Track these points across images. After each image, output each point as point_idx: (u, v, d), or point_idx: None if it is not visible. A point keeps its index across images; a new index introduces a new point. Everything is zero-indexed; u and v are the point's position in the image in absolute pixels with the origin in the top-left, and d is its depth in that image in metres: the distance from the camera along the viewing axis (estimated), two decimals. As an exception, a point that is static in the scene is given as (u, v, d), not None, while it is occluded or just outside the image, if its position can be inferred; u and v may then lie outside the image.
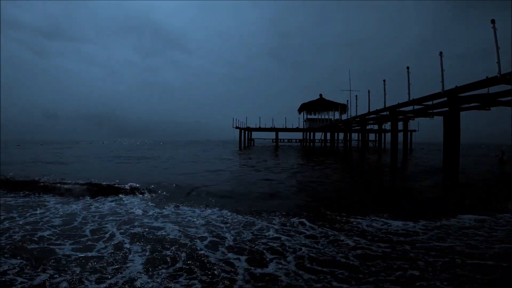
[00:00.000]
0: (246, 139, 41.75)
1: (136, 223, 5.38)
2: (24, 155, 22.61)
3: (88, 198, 7.63)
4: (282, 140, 47.98)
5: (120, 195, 7.82)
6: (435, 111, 13.62)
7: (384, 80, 14.36)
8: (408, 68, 12.21)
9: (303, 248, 4.18)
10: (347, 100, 23.74)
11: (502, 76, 7.56)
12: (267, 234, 4.83)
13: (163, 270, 3.47)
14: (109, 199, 7.50)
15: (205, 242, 4.43)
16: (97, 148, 37.13)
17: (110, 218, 5.77)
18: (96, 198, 7.58)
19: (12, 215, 5.85)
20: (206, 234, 4.78)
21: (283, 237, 4.66)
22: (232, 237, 4.64)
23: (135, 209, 6.43)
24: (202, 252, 4.03)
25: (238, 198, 7.68)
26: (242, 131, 38.42)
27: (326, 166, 15.72)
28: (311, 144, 40.02)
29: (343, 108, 28.94)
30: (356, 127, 26.39)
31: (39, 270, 3.46)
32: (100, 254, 3.94)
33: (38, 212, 6.14)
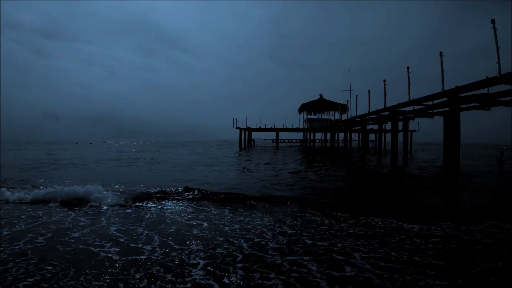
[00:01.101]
0: (246, 140, 41.81)
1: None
2: (44, 157, 21.37)
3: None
4: (282, 140, 48.03)
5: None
6: (435, 111, 13.65)
7: (384, 80, 14.42)
8: (408, 68, 12.25)
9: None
10: (347, 100, 23.83)
11: (502, 76, 7.58)
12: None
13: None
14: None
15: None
16: (102, 149, 36.81)
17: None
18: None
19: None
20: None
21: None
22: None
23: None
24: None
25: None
26: (242, 131, 38.47)
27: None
28: (311, 144, 40.05)
29: (343, 108, 28.99)
30: (357, 127, 26.45)
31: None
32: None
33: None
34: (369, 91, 16.67)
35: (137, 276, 3.24)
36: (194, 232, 4.79)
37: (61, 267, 3.43)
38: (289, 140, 52.37)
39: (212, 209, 6.32)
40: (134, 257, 3.76)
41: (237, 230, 4.93)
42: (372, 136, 40.37)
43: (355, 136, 40.67)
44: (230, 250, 4.02)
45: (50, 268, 3.41)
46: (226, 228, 5.03)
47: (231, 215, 5.90)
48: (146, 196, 7.26)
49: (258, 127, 38.26)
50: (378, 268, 3.44)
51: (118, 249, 4.03)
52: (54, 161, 18.14)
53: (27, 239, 4.36)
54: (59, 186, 7.53)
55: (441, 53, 9.93)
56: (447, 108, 10.83)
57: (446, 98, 10.42)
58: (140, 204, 6.65)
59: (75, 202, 6.62)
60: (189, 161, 19.39)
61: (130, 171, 13.85)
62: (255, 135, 45.52)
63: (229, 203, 6.75)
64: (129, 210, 6.17)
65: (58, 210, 6.16)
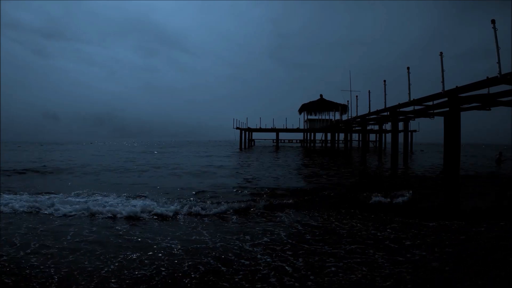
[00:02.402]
0: (247, 140, 41.81)
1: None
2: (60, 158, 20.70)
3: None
4: (282, 141, 48.01)
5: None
6: (435, 111, 13.63)
7: (385, 81, 14.42)
8: (408, 68, 12.25)
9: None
10: (348, 101, 23.82)
11: (503, 76, 7.57)
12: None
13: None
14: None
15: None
16: (108, 150, 36.38)
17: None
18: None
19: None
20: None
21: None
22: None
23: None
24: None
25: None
26: (243, 131, 38.47)
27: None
28: (312, 144, 40.05)
29: (343, 108, 28.98)
30: (357, 128, 26.45)
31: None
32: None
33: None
34: (369, 91, 16.69)
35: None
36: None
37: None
38: (289, 141, 52.33)
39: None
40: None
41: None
42: (372, 137, 40.40)
43: (355, 136, 40.72)
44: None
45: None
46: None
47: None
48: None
49: (258, 127, 38.27)
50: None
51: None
52: (83, 167, 14.93)
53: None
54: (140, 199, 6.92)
55: (441, 53, 9.93)
56: (447, 108, 10.83)
57: (446, 98, 10.41)
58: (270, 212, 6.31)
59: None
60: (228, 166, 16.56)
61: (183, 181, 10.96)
62: (255, 135, 45.54)
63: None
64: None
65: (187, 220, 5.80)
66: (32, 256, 3.89)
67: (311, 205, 6.91)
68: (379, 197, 7.35)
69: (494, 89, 9.47)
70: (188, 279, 3.29)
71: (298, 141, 50.80)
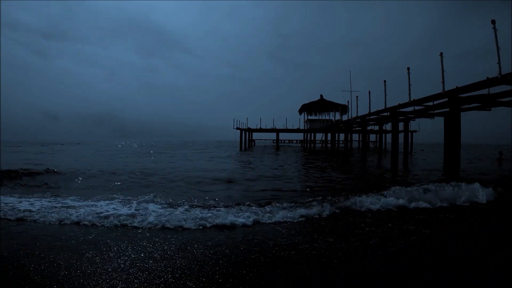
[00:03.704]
0: (247, 140, 41.79)
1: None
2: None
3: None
4: (283, 141, 47.99)
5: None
6: (435, 111, 13.65)
7: (385, 81, 14.42)
8: (408, 68, 12.25)
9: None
10: (348, 101, 23.85)
11: (503, 76, 7.58)
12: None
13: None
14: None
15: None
16: (116, 152, 35.51)
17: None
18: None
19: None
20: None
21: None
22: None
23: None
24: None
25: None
26: (243, 132, 38.46)
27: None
28: (312, 145, 40.04)
29: (343, 108, 28.96)
30: (357, 128, 26.45)
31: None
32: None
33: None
34: (369, 92, 16.69)
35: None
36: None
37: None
38: (290, 141, 52.34)
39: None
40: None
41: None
42: (372, 137, 40.38)
43: (355, 136, 40.69)
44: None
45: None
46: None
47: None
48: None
49: (258, 127, 38.25)
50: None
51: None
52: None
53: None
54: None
55: (441, 53, 9.94)
56: (448, 109, 10.84)
57: (446, 99, 10.42)
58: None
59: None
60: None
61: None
62: (255, 135, 45.54)
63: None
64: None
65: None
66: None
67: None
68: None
69: (494, 90, 9.49)
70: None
71: (298, 141, 50.81)
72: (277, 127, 37.74)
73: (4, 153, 24.79)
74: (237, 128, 36.63)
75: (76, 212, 5.73)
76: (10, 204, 6.31)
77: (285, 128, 37.93)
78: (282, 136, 42.63)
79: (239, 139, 38.23)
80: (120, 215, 5.57)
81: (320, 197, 7.06)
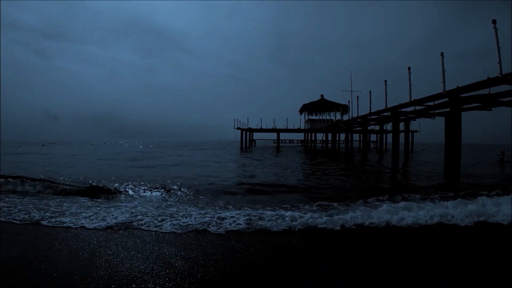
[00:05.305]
0: (247, 140, 41.81)
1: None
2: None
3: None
4: (283, 141, 47.98)
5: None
6: (436, 111, 13.63)
7: (385, 81, 14.41)
8: (409, 68, 12.25)
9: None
10: (348, 101, 23.80)
11: (503, 76, 7.58)
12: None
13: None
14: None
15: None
16: (114, 149, 36.19)
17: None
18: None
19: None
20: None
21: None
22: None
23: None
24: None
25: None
26: (243, 132, 38.46)
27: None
28: (313, 145, 40.04)
29: (344, 108, 28.99)
30: (358, 128, 26.43)
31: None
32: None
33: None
34: (370, 92, 16.70)
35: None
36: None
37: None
38: (290, 141, 52.34)
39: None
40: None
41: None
42: (373, 137, 40.35)
43: (356, 136, 40.68)
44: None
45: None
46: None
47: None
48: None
49: (259, 127, 38.28)
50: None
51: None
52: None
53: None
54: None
55: (442, 53, 9.93)
56: (448, 109, 10.82)
57: (447, 99, 10.41)
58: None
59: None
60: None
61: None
62: (256, 135, 45.53)
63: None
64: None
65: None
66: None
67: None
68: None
69: (495, 89, 9.47)
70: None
71: (298, 141, 50.80)
72: (277, 127, 37.77)
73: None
74: (238, 128, 36.65)
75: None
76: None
77: (285, 128, 37.96)
78: (283, 136, 42.67)
79: (239, 139, 38.26)
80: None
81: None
